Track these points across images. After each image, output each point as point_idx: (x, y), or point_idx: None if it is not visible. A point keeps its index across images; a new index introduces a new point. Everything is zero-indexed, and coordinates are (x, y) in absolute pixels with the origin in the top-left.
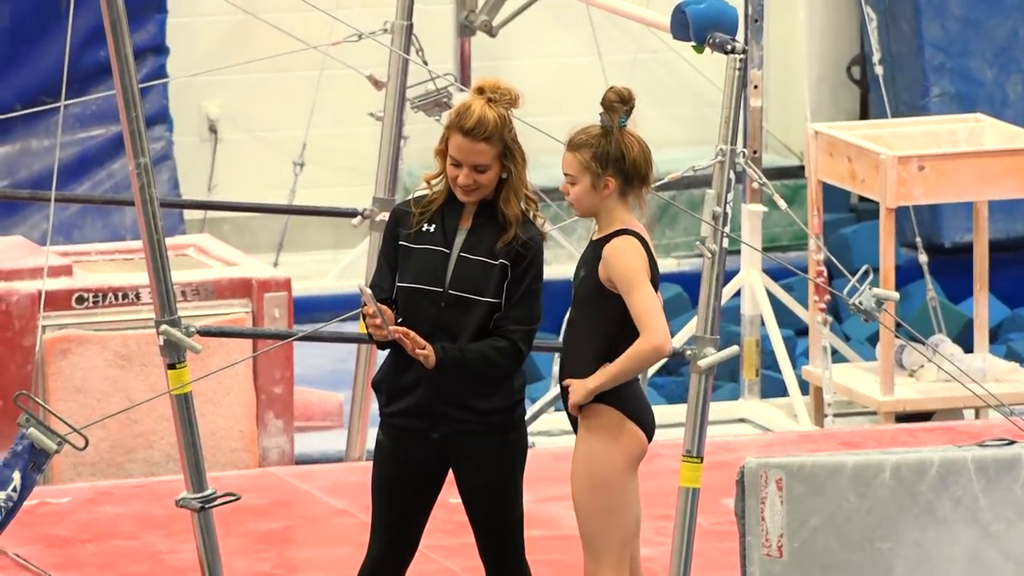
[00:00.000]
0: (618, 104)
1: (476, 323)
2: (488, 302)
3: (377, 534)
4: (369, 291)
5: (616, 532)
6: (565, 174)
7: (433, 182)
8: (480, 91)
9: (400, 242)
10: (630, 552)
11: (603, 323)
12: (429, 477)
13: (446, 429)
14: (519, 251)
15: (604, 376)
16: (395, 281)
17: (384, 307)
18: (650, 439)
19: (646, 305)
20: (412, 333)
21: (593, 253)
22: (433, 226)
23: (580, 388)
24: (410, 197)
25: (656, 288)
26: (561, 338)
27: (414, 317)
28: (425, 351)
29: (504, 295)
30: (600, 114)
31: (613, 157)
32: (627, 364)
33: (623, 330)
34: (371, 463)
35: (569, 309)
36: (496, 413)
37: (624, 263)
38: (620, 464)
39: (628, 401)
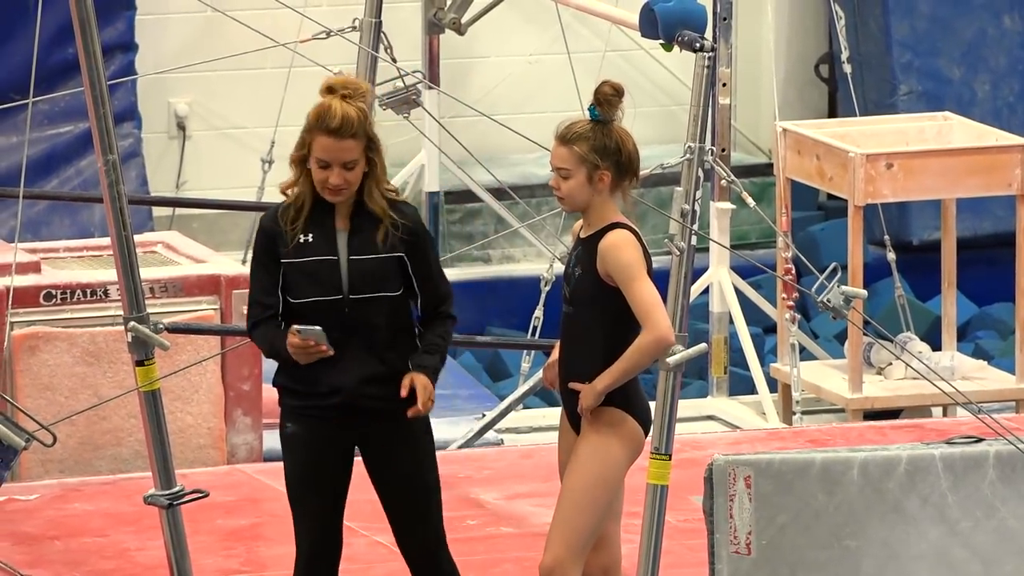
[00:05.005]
0: (615, 97)
1: (386, 317)
2: (393, 296)
3: (307, 531)
4: (320, 329)
5: (597, 526)
6: (557, 168)
7: (290, 191)
8: (331, 90)
9: (282, 260)
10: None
11: (606, 320)
12: (345, 465)
13: (363, 416)
14: (407, 237)
15: (610, 376)
16: (279, 296)
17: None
18: (647, 434)
19: (646, 298)
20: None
21: (586, 250)
22: (311, 235)
23: (589, 392)
24: (271, 211)
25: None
26: (559, 339)
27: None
28: (425, 391)
29: (415, 281)
30: (591, 108)
31: (610, 149)
32: (631, 360)
33: (626, 325)
34: None
35: (565, 308)
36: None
37: (622, 257)
38: (624, 462)
39: (631, 399)
